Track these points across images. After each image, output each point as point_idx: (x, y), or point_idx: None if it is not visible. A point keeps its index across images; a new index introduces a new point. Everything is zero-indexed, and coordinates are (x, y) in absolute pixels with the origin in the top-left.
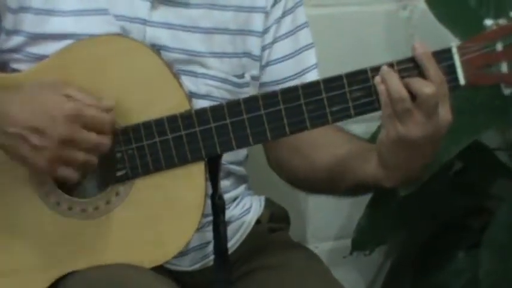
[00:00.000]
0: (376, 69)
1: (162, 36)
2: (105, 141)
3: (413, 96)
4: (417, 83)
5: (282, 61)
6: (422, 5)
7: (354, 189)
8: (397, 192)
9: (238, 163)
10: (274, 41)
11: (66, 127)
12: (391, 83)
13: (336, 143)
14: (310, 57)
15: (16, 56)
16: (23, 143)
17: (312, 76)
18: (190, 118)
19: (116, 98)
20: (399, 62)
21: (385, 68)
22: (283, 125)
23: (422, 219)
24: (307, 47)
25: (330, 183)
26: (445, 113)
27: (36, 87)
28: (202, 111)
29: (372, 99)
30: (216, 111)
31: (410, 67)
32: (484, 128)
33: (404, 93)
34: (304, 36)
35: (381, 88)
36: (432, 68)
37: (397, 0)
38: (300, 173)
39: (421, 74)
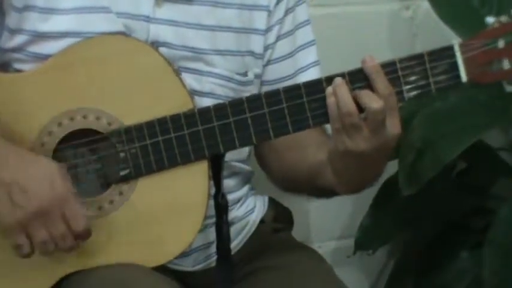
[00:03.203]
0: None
1: (166, 34)
2: (71, 242)
3: (361, 108)
4: (366, 97)
5: (280, 61)
6: (425, 5)
7: (316, 194)
8: (400, 192)
9: (242, 161)
10: (277, 40)
11: (49, 202)
12: (341, 97)
13: (317, 146)
14: (307, 56)
15: (18, 55)
16: (5, 194)
17: (308, 75)
18: (193, 117)
19: (119, 97)
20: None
21: (337, 80)
22: (286, 123)
23: (425, 219)
24: (304, 46)
25: (300, 184)
26: (393, 126)
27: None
28: (205, 110)
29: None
30: (219, 110)
31: (361, 78)
32: (487, 127)
33: (352, 108)
34: (303, 35)
35: (330, 100)
36: (380, 81)
37: (400, 0)
38: (276, 172)
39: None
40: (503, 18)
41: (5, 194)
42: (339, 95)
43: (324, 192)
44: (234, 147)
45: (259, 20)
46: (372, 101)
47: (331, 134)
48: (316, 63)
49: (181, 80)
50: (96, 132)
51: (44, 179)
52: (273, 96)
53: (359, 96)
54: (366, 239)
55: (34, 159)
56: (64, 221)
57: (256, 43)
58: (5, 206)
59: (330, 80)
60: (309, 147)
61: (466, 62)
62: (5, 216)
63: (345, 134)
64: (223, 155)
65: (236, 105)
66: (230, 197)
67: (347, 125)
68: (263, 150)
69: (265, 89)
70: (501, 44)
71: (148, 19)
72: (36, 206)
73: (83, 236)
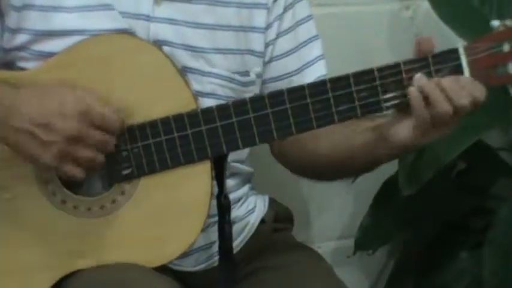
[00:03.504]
0: (382, 69)
1: (166, 32)
2: (111, 139)
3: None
4: (455, 92)
5: (284, 57)
6: (426, 5)
7: (359, 171)
8: (400, 192)
9: (241, 161)
10: (277, 37)
11: (74, 123)
12: (433, 96)
13: (335, 129)
14: (311, 51)
15: (22, 54)
16: (31, 139)
17: (314, 69)
18: (196, 117)
19: (122, 97)
20: (405, 62)
21: (420, 78)
22: (289, 124)
23: (425, 219)
24: (307, 42)
25: (335, 169)
26: None
27: (46, 86)
28: (208, 110)
29: (379, 99)
30: (223, 110)
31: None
32: (487, 127)
33: (448, 107)
34: (305, 31)
35: (418, 102)
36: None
37: (400, 0)
38: (302, 162)
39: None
40: (509, 22)
41: (29, 138)
42: (430, 92)
43: (365, 168)
44: (237, 148)
45: (259, 18)
46: (462, 98)
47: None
48: (321, 57)
49: (185, 80)
50: None
51: (56, 105)
52: (276, 97)
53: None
54: (365, 239)
55: (35, 92)
56: (98, 128)
57: (256, 41)
58: (37, 148)
59: (334, 81)
60: (333, 131)
61: (471, 64)
62: (42, 156)
63: (434, 130)
64: (226, 156)
65: (239, 105)
66: (231, 197)
67: (438, 122)
68: (284, 145)
69: (271, 86)
70: (506, 47)
71: (148, 18)
72: (65, 133)
73: (122, 129)
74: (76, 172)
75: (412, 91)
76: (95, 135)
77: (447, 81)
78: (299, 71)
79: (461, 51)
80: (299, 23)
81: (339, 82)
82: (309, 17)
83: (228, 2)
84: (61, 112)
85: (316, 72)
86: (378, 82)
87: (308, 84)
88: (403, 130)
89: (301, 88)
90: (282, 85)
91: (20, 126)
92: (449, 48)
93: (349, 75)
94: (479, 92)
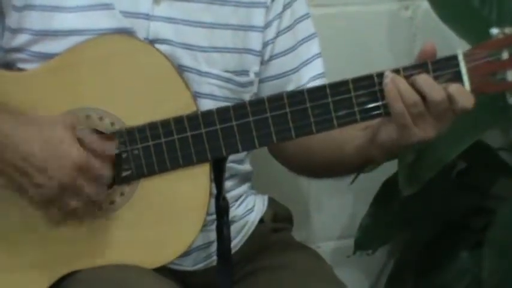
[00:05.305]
0: (381, 75)
1: (166, 31)
2: (100, 195)
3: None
4: (426, 87)
5: (282, 55)
6: (425, 5)
7: (352, 170)
8: (400, 192)
9: (239, 161)
10: (277, 35)
11: (70, 175)
12: (403, 89)
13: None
14: (309, 49)
15: (21, 55)
16: (26, 178)
17: (312, 67)
18: (196, 119)
19: (122, 98)
20: (405, 68)
21: (390, 74)
22: (288, 128)
23: (425, 219)
24: (305, 40)
25: (328, 167)
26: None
27: (53, 125)
28: (208, 113)
29: (378, 105)
30: (222, 113)
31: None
32: (487, 127)
33: (417, 97)
34: (303, 29)
35: (393, 95)
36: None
37: (399, 0)
38: (297, 159)
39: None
40: (508, 30)
41: (24, 176)
42: (400, 87)
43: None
44: (236, 151)
45: (257, 17)
46: (434, 91)
47: (388, 134)
48: (319, 55)
49: (184, 81)
50: (99, 132)
51: (58, 153)
52: (276, 101)
53: (417, 84)
54: (365, 239)
55: (38, 134)
56: (92, 181)
57: (254, 40)
58: (28, 186)
59: (333, 86)
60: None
61: (470, 71)
62: (30, 193)
63: (414, 126)
64: (225, 158)
65: (239, 108)
66: (229, 195)
67: (414, 116)
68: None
69: (269, 84)
70: (505, 55)
71: (147, 17)
72: (59, 181)
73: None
74: (57, 216)
75: (387, 84)
76: (85, 189)
77: (420, 76)
78: (297, 69)
79: (460, 57)
80: (297, 21)
81: (338, 87)
82: (307, 15)
83: (226, 0)
84: (60, 162)
85: (313, 71)
86: (377, 88)
87: (308, 88)
88: (389, 130)
89: (300, 92)
90: (280, 83)
91: (19, 165)
92: (449, 55)
93: (349, 80)
94: (455, 88)
